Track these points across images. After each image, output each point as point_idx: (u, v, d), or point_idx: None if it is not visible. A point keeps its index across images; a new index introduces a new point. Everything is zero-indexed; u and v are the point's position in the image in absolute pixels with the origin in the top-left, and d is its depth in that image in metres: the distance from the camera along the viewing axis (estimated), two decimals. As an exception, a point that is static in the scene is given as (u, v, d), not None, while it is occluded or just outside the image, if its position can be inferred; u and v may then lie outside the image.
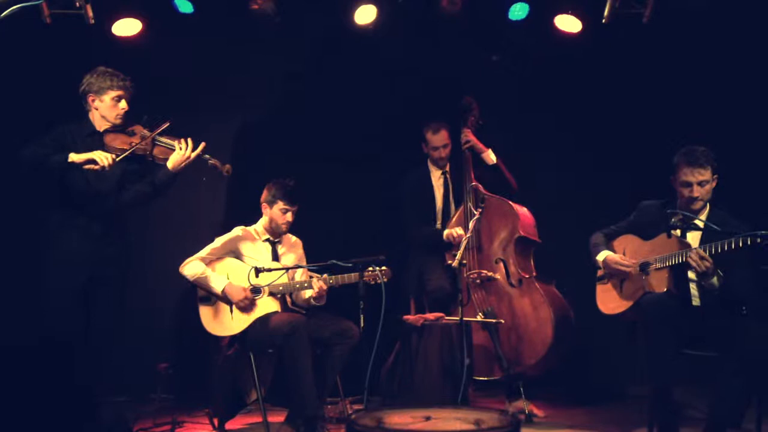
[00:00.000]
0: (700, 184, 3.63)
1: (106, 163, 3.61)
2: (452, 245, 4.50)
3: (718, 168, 3.66)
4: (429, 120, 4.76)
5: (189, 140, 3.82)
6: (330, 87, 5.29)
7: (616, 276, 3.89)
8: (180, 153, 3.78)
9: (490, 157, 4.69)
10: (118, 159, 3.66)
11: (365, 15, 4.98)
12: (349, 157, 5.29)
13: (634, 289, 3.80)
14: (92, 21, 4.74)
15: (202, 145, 3.83)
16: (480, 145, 4.69)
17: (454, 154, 4.76)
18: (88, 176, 3.73)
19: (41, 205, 3.86)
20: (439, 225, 4.76)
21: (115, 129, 3.82)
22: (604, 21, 4.96)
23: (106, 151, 3.75)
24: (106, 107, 3.80)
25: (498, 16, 5.05)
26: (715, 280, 3.52)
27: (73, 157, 3.62)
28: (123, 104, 3.82)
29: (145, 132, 3.81)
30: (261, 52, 5.21)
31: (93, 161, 3.61)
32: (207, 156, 3.87)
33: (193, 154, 3.80)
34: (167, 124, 3.78)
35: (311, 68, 5.31)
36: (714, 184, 3.67)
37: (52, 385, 3.14)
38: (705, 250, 3.47)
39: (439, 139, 4.70)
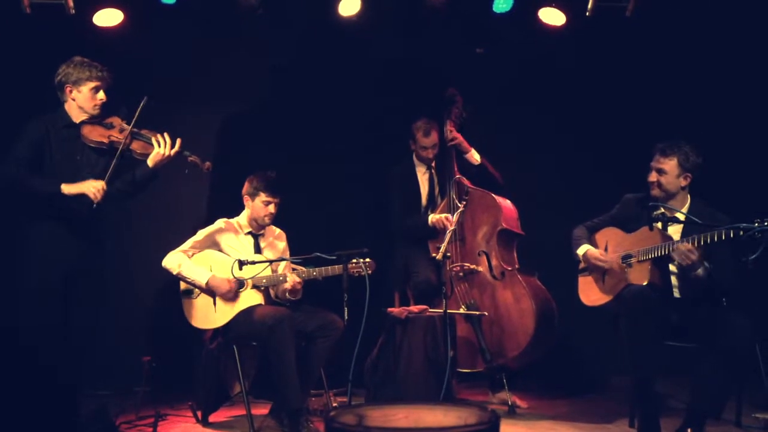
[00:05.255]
0: (658, 171, 3.68)
1: (99, 197, 3.58)
2: (437, 236, 4.51)
3: (693, 167, 3.68)
4: (418, 118, 4.73)
5: (167, 136, 3.78)
6: (313, 79, 5.27)
7: (597, 269, 3.92)
8: (159, 151, 3.74)
9: (474, 157, 4.70)
10: (106, 183, 3.61)
11: (349, 6, 4.95)
12: (333, 150, 5.28)
13: (616, 281, 3.82)
14: (73, 11, 4.68)
15: (179, 141, 3.78)
16: (465, 145, 4.69)
17: (439, 147, 4.76)
18: (66, 172, 3.68)
19: (18, 200, 3.80)
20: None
21: (92, 121, 3.78)
22: (587, 14, 4.98)
23: (84, 144, 3.72)
24: (83, 98, 3.75)
25: (482, 8, 5.04)
26: (700, 271, 3.55)
27: (65, 189, 3.59)
28: (101, 95, 3.77)
29: (124, 125, 3.77)
30: (244, 44, 5.17)
31: (84, 195, 3.58)
32: (187, 153, 3.83)
33: (173, 152, 3.76)
34: (143, 101, 3.72)
35: (294, 60, 5.28)
36: (684, 182, 3.70)
37: (32, 381, 3.13)
38: (688, 243, 3.49)
39: (429, 141, 4.69)
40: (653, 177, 3.71)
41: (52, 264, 3.68)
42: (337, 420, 2.18)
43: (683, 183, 3.70)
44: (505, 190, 4.68)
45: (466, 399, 4.65)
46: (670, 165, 3.67)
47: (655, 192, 3.71)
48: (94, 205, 3.59)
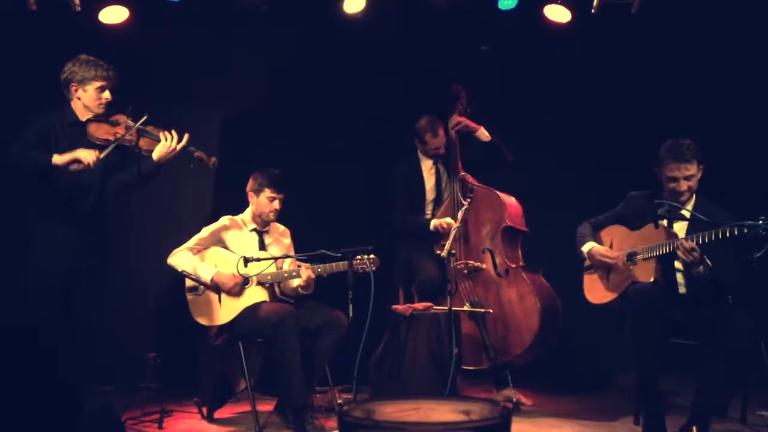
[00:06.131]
0: (687, 178, 3.65)
1: (90, 160, 3.55)
2: (440, 235, 4.51)
3: (703, 159, 3.68)
4: (421, 117, 4.73)
5: (173, 132, 3.79)
6: (317, 76, 5.27)
7: (602, 267, 3.92)
8: (165, 145, 3.74)
9: (484, 134, 4.67)
10: (102, 155, 3.60)
11: (354, 4, 4.96)
12: (337, 147, 5.28)
13: (621, 279, 3.82)
14: (78, 8, 4.69)
15: (186, 136, 3.80)
16: (472, 125, 4.67)
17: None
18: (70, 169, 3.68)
19: (21, 197, 3.81)
20: (429, 214, 4.76)
21: (98, 119, 3.78)
22: (593, 11, 4.98)
23: (90, 142, 3.72)
24: (88, 97, 3.76)
25: (487, 5, 5.05)
26: (702, 268, 3.55)
27: (57, 159, 3.56)
28: (106, 94, 3.78)
29: (130, 122, 3.77)
30: (248, 41, 5.18)
31: (77, 161, 3.55)
32: (192, 148, 3.84)
33: (179, 147, 3.77)
34: (145, 117, 3.73)
35: (299, 57, 5.29)
36: (700, 175, 3.69)
37: (35, 378, 3.12)
38: (692, 241, 3.49)
39: (439, 140, 4.71)
40: (683, 186, 3.65)
41: (55, 261, 3.68)
42: (350, 414, 2.18)
43: (699, 175, 3.70)
44: (506, 185, 4.66)
45: (471, 396, 4.64)
46: (694, 168, 3.65)
47: (684, 197, 3.69)
48: (91, 165, 3.54)
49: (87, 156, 3.55)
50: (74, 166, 3.57)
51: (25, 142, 3.62)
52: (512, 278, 4.45)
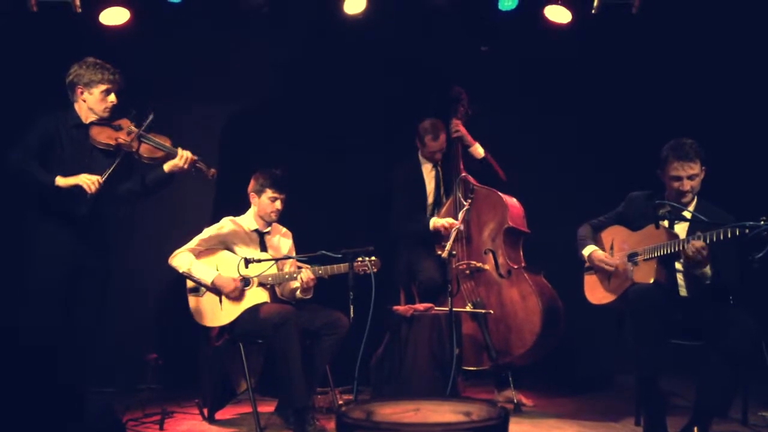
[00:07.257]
0: (690, 177, 3.64)
1: (93, 189, 3.58)
2: (441, 235, 4.51)
3: (706, 159, 3.68)
4: (424, 117, 4.73)
5: (188, 152, 3.80)
6: (318, 77, 5.27)
7: (602, 270, 3.92)
8: (177, 162, 3.76)
9: (478, 150, 4.70)
10: (103, 179, 3.61)
11: (355, 4, 4.96)
12: (338, 148, 5.29)
13: (622, 279, 3.82)
14: (79, 9, 4.70)
15: (194, 158, 3.82)
16: (469, 138, 4.69)
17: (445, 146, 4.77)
18: (75, 172, 3.68)
19: (21, 198, 3.80)
20: (429, 217, 4.76)
21: (101, 122, 3.78)
22: (593, 11, 4.98)
23: (92, 145, 3.73)
24: (94, 100, 3.76)
25: (488, 6, 5.05)
26: (707, 269, 3.54)
27: (60, 181, 3.58)
28: (112, 98, 3.78)
29: (132, 127, 3.78)
30: (249, 42, 5.18)
31: (79, 186, 3.58)
32: (199, 164, 3.86)
33: (186, 165, 3.78)
34: (152, 116, 3.74)
35: (300, 58, 5.29)
36: (702, 175, 3.69)
37: (36, 380, 3.12)
38: (700, 240, 3.48)
39: (438, 144, 4.70)
40: (687, 186, 3.64)
41: (54, 262, 3.68)
42: (349, 415, 2.18)
43: (702, 176, 3.69)
44: (508, 187, 4.67)
45: (471, 397, 4.64)
46: (697, 167, 3.64)
47: (688, 198, 3.68)
48: (88, 196, 3.58)
49: (90, 185, 3.58)
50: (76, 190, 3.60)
51: (27, 149, 3.63)
52: (514, 279, 4.45)
